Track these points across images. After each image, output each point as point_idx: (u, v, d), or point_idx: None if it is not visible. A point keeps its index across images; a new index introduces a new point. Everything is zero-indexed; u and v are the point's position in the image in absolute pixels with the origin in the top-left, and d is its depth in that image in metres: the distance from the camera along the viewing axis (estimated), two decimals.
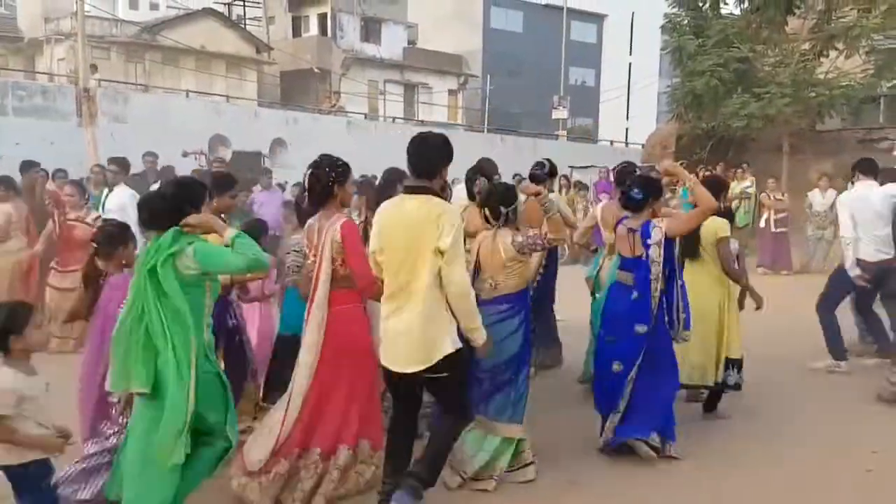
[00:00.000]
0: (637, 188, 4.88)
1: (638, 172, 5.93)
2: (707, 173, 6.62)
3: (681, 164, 7.41)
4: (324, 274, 4.05)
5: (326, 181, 4.10)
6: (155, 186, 10.02)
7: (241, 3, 37.98)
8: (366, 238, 4.24)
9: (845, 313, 7.41)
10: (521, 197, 4.69)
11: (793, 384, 6.65)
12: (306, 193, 4.24)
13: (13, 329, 3.24)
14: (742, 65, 17.21)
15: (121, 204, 8.24)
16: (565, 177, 16.09)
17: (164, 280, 3.38)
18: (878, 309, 7.31)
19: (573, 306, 7.37)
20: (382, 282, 3.91)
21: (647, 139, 21.57)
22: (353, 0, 35.34)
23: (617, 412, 4.83)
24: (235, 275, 3.80)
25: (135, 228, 4.33)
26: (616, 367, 4.80)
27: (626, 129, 43.20)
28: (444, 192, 4.12)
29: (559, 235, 4.64)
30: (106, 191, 8.86)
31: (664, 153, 18.90)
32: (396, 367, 3.82)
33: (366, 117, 29.27)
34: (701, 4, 18.70)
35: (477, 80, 39.41)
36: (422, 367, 3.75)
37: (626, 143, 36.21)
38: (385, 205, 3.98)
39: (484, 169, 5.78)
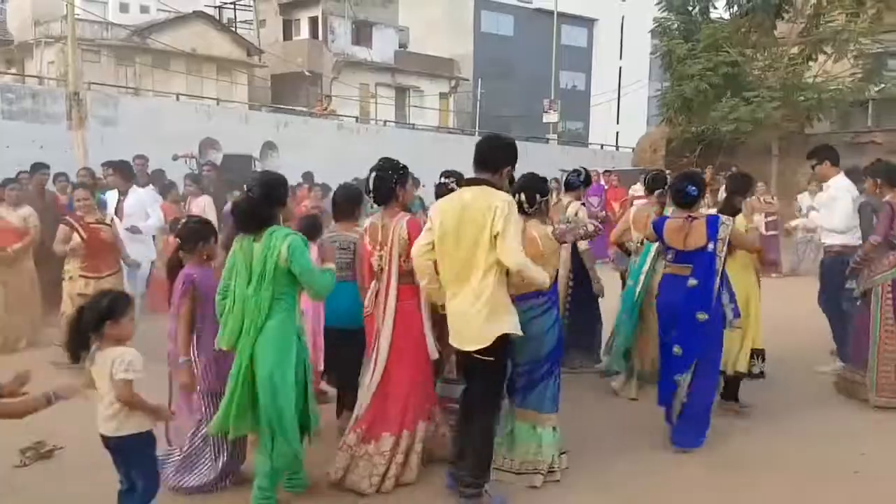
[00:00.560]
0: (692, 185, 5.22)
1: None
2: (734, 171, 6.87)
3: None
4: (394, 269, 4.44)
5: (390, 182, 4.48)
6: (147, 189, 10.03)
7: (232, 6, 37.94)
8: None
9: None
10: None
11: (784, 382, 6.67)
12: (371, 194, 4.54)
13: (111, 315, 3.47)
14: (731, 69, 17.32)
15: (144, 203, 8.15)
16: (556, 180, 16.13)
17: (274, 269, 3.92)
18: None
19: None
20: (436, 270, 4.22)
21: (637, 143, 21.65)
22: (344, 3, 35.35)
23: (673, 406, 5.12)
24: (305, 284, 4.03)
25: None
26: (676, 350, 5.06)
27: (617, 133, 43.33)
28: (512, 182, 4.48)
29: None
30: (116, 194, 8.74)
31: (654, 157, 18.98)
32: (462, 346, 4.11)
33: (357, 120, 29.25)
34: (690, 9, 18.83)
35: (468, 84, 39.48)
36: (479, 347, 4.01)
37: (617, 147, 36.31)
38: (444, 200, 4.27)
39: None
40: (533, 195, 4.65)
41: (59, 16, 28.02)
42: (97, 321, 3.46)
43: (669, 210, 5.83)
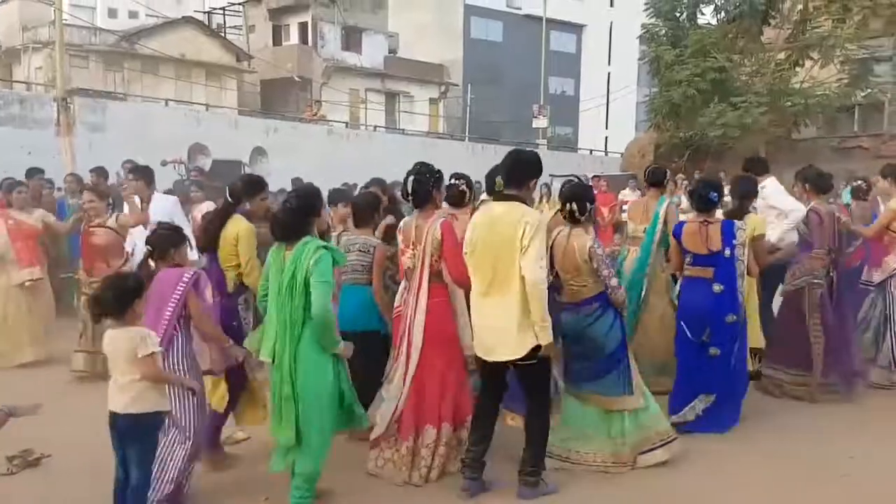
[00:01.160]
0: (713, 190, 5.53)
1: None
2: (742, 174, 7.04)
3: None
4: (426, 267, 4.61)
5: (427, 185, 4.72)
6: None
7: (221, 11, 37.90)
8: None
9: None
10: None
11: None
12: (410, 196, 4.74)
13: (140, 293, 3.61)
14: (719, 74, 17.41)
15: (166, 211, 8.01)
16: (546, 185, 16.21)
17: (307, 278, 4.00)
18: None
19: None
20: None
21: (626, 148, 21.74)
22: (334, 9, 35.37)
23: (710, 394, 5.40)
24: (313, 296, 4.01)
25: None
26: (713, 351, 5.36)
27: (606, 138, 43.50)
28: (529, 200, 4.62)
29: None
30: (138, 200, 8.57)
31: (643, 162, 19.04)
32: (489, 357, 4.30)
33: (347, 126, 29.25)
34: (678, 15, 18.91)
35: (457, 90, 39.56)
36: (511, 358, 4.20)
37: (606, 152, 36.45)
38: (479, 213, 4.50)
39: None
40: (584, 204, 4.79)
41: (46, 21, 27.91)
42: (128, 299, 3.56)
43: (689, 215, 5.99)
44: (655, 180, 6.73)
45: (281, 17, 36.28)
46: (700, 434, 5.40)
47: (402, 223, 4.99)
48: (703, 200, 5.52)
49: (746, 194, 6.10)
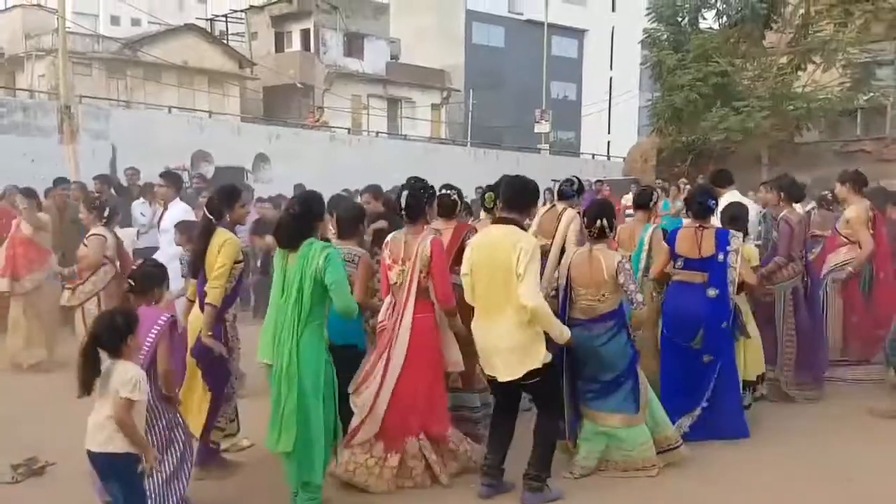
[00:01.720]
0: (711, 198, 5.62)
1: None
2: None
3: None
4: (414, 284, 4.64)
5: (422, 201, 4.77)
6: (140, 202, 10.01)
7: (224, 18, 37.99)
8: None
9: None
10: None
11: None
12: (404, 211, 4.75)
13: (131, 329, 3.52)
14: (721, 79, 17.38)
15: (179, 218, 8.08)
16: (549, 190, 16.22)
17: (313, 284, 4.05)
18: None
19: None
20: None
21: (628, 153, 21.73)
22: (335, 16, 35.43)
23: (694, 410, 5.40)
24: (334, 295, 4.08)
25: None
26: (706, 359, 5.39)
27: (608, 143, 43.49)
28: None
29: None
30: (160, 208, 8.65)
31: (645, 167, 19.06)
32: (497, 376, 4.40)
33: (349, 132, 29.29)
34: (680, 19, 18.89)
35: (459, 95, 39.58)
36: (516, 378, 4.31)
37: (608, 157, 36.43)
38: (479, 236, 4.63)
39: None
40: (612, 221, 4.88)
41: (49, 29, 27.95)
42: (119, 336, 3.47)
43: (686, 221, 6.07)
44: (642, 202, 6.50)
45: (283, 24, 36.36)
46: (702, 441, 5.39)
47: (389, 238, 4.94)
48: (702, 208, 5.58)
49: (737, 220, 6.00)
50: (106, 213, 7.08)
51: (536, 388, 4.44)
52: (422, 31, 40.56)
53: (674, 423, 5.25)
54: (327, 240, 4.44)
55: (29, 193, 8.16)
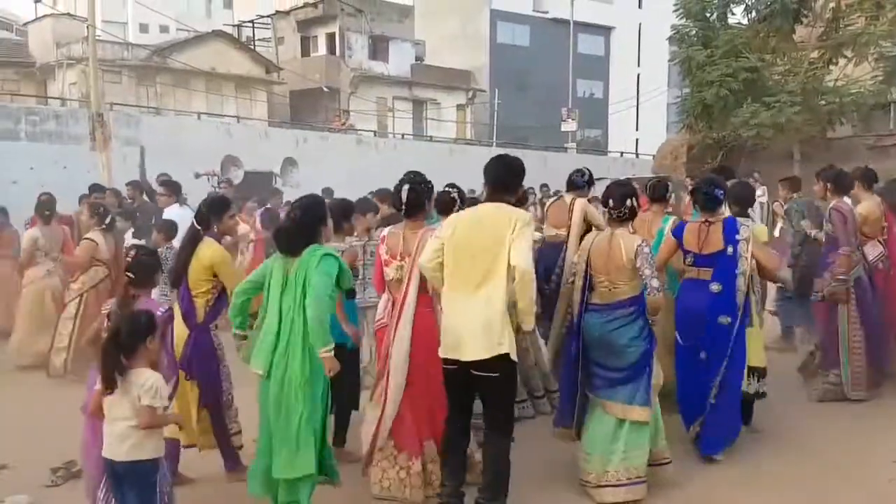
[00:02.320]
0: (717, 188, 5.26)
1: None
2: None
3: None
4: (414, 279, 4.50)
5: (422, 196, 4.65)
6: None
7: (250, 24, 38.31)
8: None
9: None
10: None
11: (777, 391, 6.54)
12: (404, 206, 4.64)
13: (152, 331, 3.50)
14: (751, 74, 17.19)
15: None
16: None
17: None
18: None
19: None
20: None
21: (658, 150, 21.57)
22: (361, 19, 35.58)
23: (698, 419, 5.12)
24: (308, 297, 3.98)
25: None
26: (703, 355, 5.08)
27: (636, 140, 43.20)
28: (524, 202, 4.68)
29: None
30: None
31: (675, 164, 18.89)
32: (462, 356, 4.03)
33: (375, 134, 29.38)
34: (708, 15, 18.71)
35: (485, 95, 39.53)
36: (488, 355, 3.97)
37: (637, 154, 36.18)
38: (463, 212, 4.40)
39: None
40: (638, 201, 4.76)
41: (80, 37, 28.40)
42: (139, 338, 3.44)
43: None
44: (658, 195, 6.25)
45: (309, 29, 36.58)
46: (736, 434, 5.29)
47: (385, 233, 4.85)
48: (709, 199, 5.26)
49: (743, 200, 5.77)
50: (107, 220, 7.60)
51: (494, 385, 4.06)
52: (446, 32, 40.60)
53: (687, 428, 5.18)
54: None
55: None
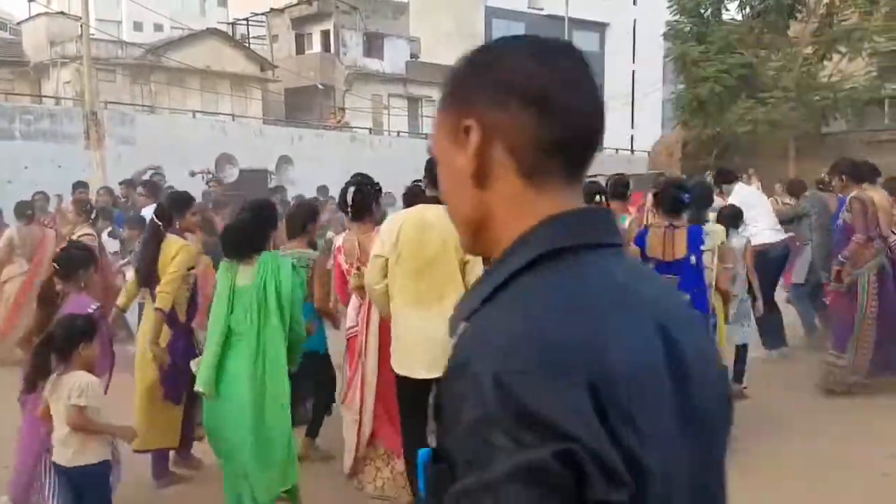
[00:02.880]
0: (684, 192, 5.09)
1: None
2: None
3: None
4: None
5: (369, 198, 4.47)
6: None
7: (245, 22, 38.21)
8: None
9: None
10: None
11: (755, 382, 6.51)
12: (350, 209, 4.46)
13: (88, 335, 3.42)
14: (745, 70, 17.26)
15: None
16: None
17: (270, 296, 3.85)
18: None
19: None
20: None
21: (653, 147, 21.59)
22: (355, 16, 35.51)
23: None
24: (297, 320, 3.99)
25: None
26: None
27: (632, 137, 43.21)
28: None
29: None
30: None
31: (670, 160, 18.91)
32: (418, 375, 3.79)
33: (370, 132, 29.35)
34: (703, 11, 18.77)
35: None
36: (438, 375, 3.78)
37: (632, 151, 36.18)
38: (403, 216, 4.03)
39: None
40: (606, 196, 4.81)
41: (73, 36, 28.29)
42: (73, 342, 3.37)
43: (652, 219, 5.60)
44: (618, 193, 6.10)
45: (303, 26, 36.50)
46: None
47: (339, 240, 4.69)
48: (674, 202, 5.05)
49: (700, 202, 5.64)
50: (93, 216, 7.67)
51: None
52: (441, 29, 40.54)
53: None
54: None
55: None
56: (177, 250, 4.62)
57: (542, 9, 41.99)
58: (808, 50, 17.50)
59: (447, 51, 40.10)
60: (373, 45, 36.63)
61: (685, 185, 5.35)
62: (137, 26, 41.97)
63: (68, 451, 3.39)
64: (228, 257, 3.97)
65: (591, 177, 7.35)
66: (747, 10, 18.38)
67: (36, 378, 3.39)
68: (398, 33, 38.01)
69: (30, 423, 3.82)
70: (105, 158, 14.72)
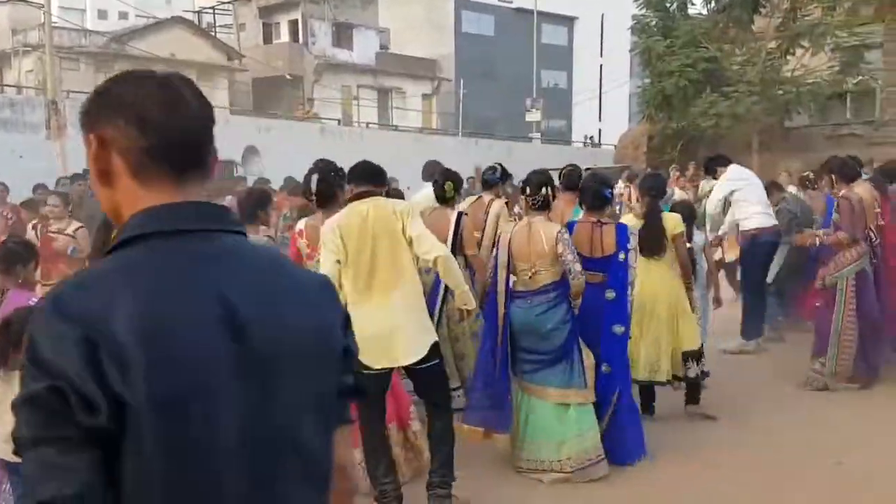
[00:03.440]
0: (607, 187, 5.12)
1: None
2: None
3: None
4: None
5: (333, 185, 4.45)
6: None
7: (211, 10, 37.78)
8: None
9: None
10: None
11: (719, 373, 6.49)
12: (314, 197, 4.48)
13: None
14: (710, 64, 17.44)
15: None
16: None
17: None
18: None
19: None
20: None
21: (619, 140, 21.76)
22: (323, 6, 35.26)
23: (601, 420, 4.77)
24: None
25: None
26: (605, 368, 4.81)
27: (599, 130, 43.48)
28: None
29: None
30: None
31: (636, 154, 19.08)
32: (399, 362, 3.97)
33: (339, 123, 29.21)
34: (668, 5, 18.92)
35: (450, 84, 39.44)
36: (419, 357, 3.94)
37: (599, 144, 36.45)
38: (339, 217, 4.06)
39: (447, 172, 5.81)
40: (555, 190, 4.74)
41: (36, 24, 27.79)
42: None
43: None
44: (571, 184, 6.09)
45: (271, 15, 36.17)
46: (686, 424, 5.40)
47: (301, 225, 4.74)
48: (597, 197, 5.00)
49: (656, 191, 5.74)
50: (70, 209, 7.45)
51: (429, 373, 4.03)
52: (411, 20, 40.37)
53: None
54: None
55: None
56: None
57: (510, 2, 42.03)
58: (772, 44, 17.72)
59: (417, 42, 40.06)
60: (342, 35, 36.41)
61: (608, 179, 5.37)
62: (102, 14, 41.37)
63: (10, 447, 3.27)
64: None
65: (587, 169, 7.49)
66: (713, 4, 18.57)
67: None
68: (367, 24, 37.82)
69: None
70: (66, 148, 14.48)
